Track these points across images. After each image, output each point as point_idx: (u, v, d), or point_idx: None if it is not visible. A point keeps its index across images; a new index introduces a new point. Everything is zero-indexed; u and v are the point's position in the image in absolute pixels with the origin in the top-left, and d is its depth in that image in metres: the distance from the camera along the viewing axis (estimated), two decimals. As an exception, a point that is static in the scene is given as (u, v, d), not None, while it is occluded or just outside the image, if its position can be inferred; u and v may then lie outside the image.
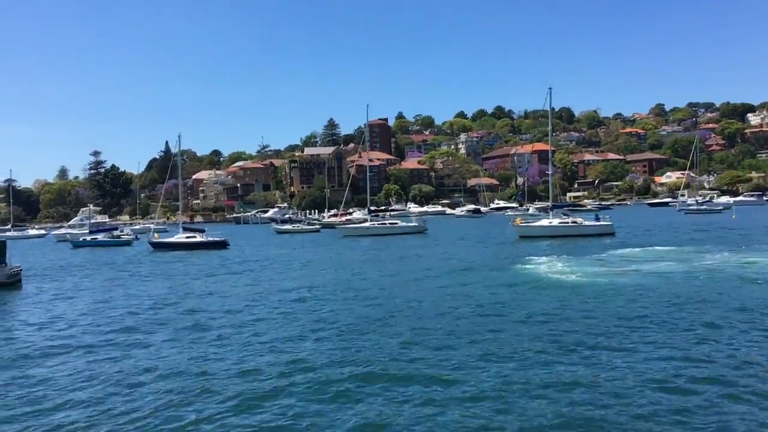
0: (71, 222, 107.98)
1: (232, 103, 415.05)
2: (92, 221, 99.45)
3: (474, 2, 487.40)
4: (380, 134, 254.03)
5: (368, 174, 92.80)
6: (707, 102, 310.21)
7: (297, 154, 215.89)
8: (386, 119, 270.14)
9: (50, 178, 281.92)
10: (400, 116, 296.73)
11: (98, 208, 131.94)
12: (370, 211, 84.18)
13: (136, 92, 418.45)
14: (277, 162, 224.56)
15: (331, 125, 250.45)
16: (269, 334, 20.56)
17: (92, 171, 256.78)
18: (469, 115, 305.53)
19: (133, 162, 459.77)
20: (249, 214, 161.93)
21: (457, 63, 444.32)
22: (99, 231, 78.89)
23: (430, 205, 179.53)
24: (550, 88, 62.83)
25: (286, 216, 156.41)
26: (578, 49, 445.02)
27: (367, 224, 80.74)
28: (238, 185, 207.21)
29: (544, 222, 60.93)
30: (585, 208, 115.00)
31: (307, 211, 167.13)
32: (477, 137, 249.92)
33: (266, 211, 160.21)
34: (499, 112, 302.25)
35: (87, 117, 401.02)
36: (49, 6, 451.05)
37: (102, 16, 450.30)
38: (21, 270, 38.33)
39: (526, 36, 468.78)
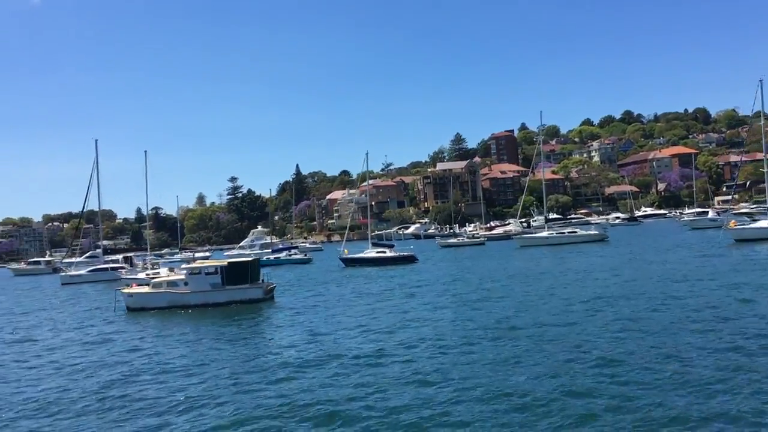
0: (242, 243, 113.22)
1: (354, 123, 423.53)
2: (262, 242, 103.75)
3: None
4: (507, 146, 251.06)
5: (543, 186, 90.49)
6: None
7: (429, 169, 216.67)
8: (512, 131, 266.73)
9: (190, 204, 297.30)
10: (523, 127, 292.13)
11: (266, 230, 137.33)
12: (547, 220, 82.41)
13: (265, 119, 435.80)
14: (406, 179, 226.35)
15: (458, 140, 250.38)
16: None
17: (230, 196, 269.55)
18: (596, 121, 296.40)
19: (265, 185, 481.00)
20: (391, 231, 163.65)
21: (580, 70, 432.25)
22: (281, 250, 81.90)
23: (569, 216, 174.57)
24: (760, 81, 58.36)
25: (429, 231, 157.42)
26: (702, 45, 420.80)
27: (545, 234, 78.99)
28: (373, 203, 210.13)
29: (763, 223, 56.93)
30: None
31: (447, 225, 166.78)
32: (609, 144, 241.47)
33: (407, 227, 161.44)
34: (628, 117, 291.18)
35: (218, 144, 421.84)
36: (173, 37, 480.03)
37: (224, 50, 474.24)
38: (275, 286, 39.79)
39: (645, 34, 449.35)
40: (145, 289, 38.27)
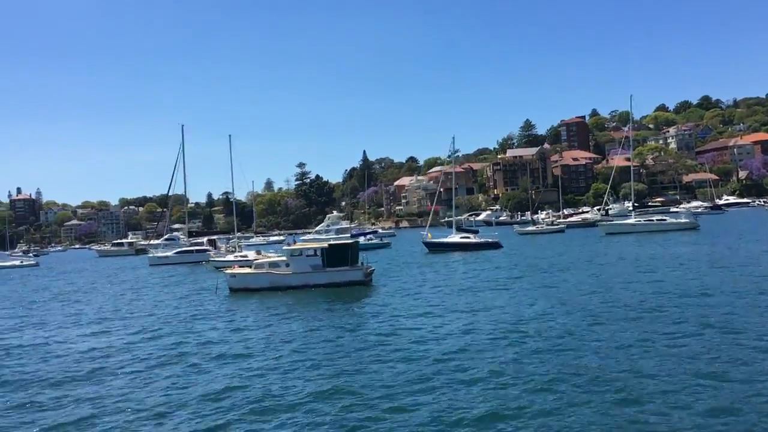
0: (317, 228, 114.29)
1: (421, 110, 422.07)
2: (337, 227, 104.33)
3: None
4: (578, 132, 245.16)
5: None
6: None
7: (499, 156, 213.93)
8: (583, 117, 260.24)
9: (258, 190, 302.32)
10: (594, 113, 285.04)
11: (341, 214, 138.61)
12: (634, 207, 79.93)
13: (332, 106, 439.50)
14: (475, 166, 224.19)
15: (528, 126, 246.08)
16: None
17: (298, 182, 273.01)
18: (671, 107, 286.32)
19: (332, 172, 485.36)
20: (461, 217, 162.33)
21: (653, 54, 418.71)
22: (360, 234, 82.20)
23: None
24: None
25: (501, 218, 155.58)
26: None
27: (632, 221, 76.61)
28: (441, 190, 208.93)
29: None
30: None
31: (519, 213, 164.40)
32: (687, 130, 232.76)
33: (478, 214, 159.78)
34: (706, 102, 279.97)
35: (286, 131, 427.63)
36: (240, 24, 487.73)
37: (290, 37, 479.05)
38: (374, 269, 39.67)
39: (723, 17, 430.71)
40: (248, 271, 38.77)
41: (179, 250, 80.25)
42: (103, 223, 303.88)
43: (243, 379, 16.70)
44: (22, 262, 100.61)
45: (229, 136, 76.28)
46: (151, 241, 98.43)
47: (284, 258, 37.82)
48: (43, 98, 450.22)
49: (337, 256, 37.09)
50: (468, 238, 65.32)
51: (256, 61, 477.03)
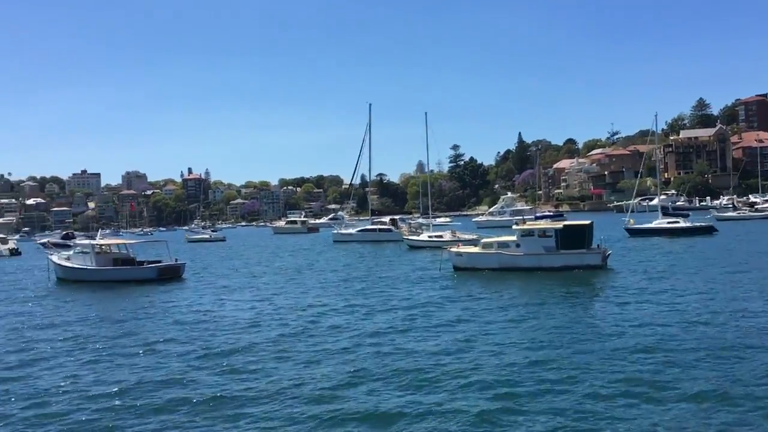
0: (491, 210, 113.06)
1: (576, 89, 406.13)
2: (512, 208, 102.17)
3: None
4: (758, 112, 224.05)
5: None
6: None
7: (672, 137, 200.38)
8: (764, 95, 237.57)
9: (410, 172, 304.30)
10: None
11: (515, 195, 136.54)
12: None
13: (486, 87, 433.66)
14: (641, 148, 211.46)
15: (701, 105, 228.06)
16: None
17: (451, 164, 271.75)
18: None
19: (485, 154, 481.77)
20: (631, 202, 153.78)
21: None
22: (543, 217, 79.19)
23: None
24: None
25: (678, 203, 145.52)
26: None
27: None
28: (606, 173, 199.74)
29: None
30: None
31: (697, 198, 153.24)
32: None
33: (651, 199, 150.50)
34: None
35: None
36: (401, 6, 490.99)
37: (443, 18, 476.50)
38: (611, 252, 37.13)
39: None
40: (475, 250, 37.71)
41: (362, 228, 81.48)
42: (265, 203, 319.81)
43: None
44: (211, 236, 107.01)
45: (425, 113, 73.53)
46: (337, 220, 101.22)
47: (514, 238, 36.30)
48: (213, 90, 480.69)
49: (572, 237, 35.14)
50: (676, 222, 60.77)
51: (414, 43, 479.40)
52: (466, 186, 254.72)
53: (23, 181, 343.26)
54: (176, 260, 42.24)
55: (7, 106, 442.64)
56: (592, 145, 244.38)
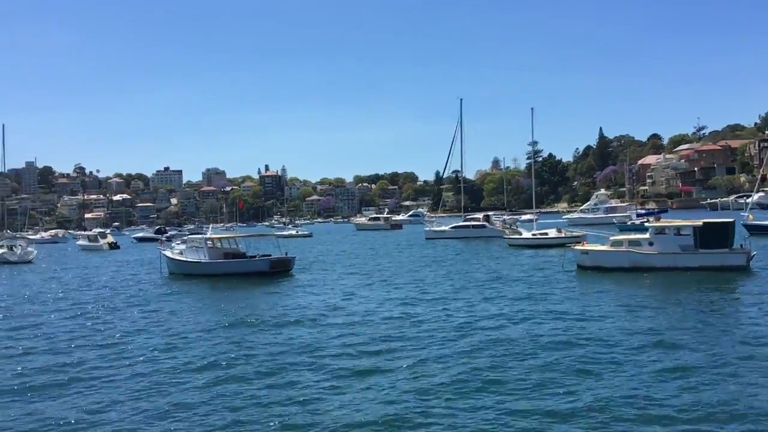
0: (583, 207, 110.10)
1: (661, 82, 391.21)
2: (606, 205, 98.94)
3: None
4: None
5: None
6: None
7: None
8: None
9: (486, 168, 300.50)
10: None
11: (609, 192, 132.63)
12: None
13: (564, 82, 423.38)
14: (733, 143, 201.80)
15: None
16: None
17: (529, 160, 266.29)
18: None
19: (564, 150, 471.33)
20: (728, 199, 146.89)
21: None
22: (647, 214, 76.15)
23: None
24: None
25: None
26: None
27: None
28: (695, 169, 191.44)
29: None
30: None
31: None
32: None
33: (748, 195, 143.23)
34: None
35: (513, 109, 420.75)
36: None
37: (513, 11, 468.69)
38: (755, 253, 34.50)
39: None
40: (603, 248, 35.85)
41: (455, 225, 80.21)
42: (340, 199, 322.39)
43: None
44: (297, 232, 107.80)
45: (531, 109, 66.69)
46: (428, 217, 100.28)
47: (647, 236, 34.28)
48: (287, 90, 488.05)
49: (713, 236, 32.75)
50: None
51: (483, 39, 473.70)
52: (544, 183, 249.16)
53: (110, 178, 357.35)
54: (286, 254, 42.07)
55: (98, 108, 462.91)
56: (678, 140, 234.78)
